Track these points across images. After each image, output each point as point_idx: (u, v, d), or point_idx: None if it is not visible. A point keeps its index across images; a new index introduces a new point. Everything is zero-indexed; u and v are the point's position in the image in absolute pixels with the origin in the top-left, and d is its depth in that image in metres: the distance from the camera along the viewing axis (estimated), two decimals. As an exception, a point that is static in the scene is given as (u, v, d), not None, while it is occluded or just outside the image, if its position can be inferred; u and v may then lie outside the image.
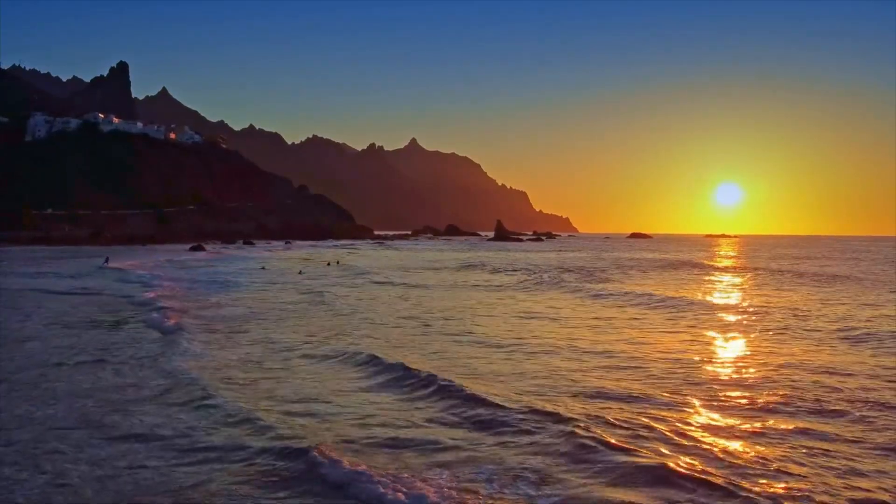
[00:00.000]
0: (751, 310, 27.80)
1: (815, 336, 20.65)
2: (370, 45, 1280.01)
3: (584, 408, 11.95)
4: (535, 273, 51.91)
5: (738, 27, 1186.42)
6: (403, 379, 14.14)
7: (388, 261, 71.50)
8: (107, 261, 52.87)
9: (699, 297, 33.74)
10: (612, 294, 34.32)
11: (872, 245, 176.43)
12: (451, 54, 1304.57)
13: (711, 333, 21.57)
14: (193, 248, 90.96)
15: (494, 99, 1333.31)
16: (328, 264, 60.20)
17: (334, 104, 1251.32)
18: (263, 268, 54.03)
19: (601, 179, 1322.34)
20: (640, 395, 12.98)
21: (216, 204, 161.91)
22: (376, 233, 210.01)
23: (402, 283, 41.60)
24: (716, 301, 31.90)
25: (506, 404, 11.89)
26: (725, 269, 60.95)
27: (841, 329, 21.86)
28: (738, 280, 47.96)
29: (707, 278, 49.32)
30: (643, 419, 11.25)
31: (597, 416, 11.30)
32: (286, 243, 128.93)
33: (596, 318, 25.05)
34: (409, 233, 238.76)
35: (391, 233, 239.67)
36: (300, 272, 49.20)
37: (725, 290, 39.01)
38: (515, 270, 55.38)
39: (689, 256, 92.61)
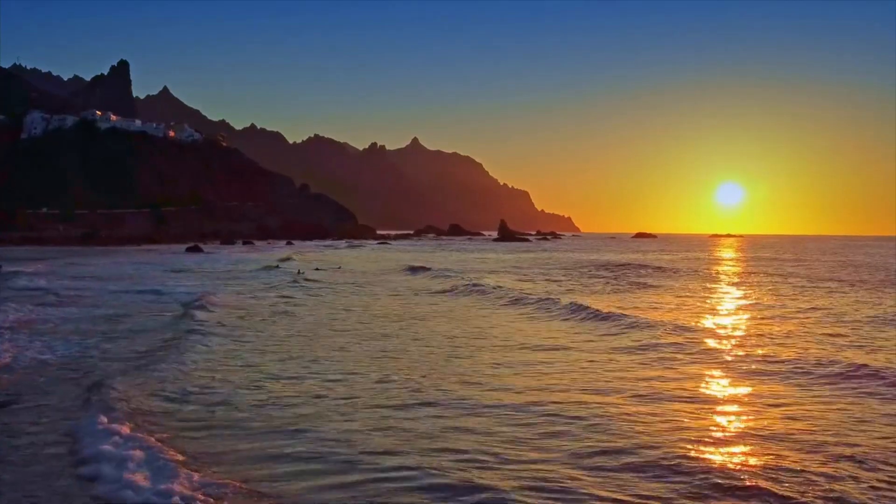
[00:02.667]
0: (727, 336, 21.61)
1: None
2: (371, 45, 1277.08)
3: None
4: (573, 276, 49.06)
5: (740, 27, 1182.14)
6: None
7: (377, 263, 68.66)
8: None
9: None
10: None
11: (875, 245, 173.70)
12: (452, 54, 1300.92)
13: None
14: (190, 249, 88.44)
15: (496, 98, 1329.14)
16: (316, 269, 57.55)
17: (336, 103, 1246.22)
18: (278, 266, 54.14)
19: (602, 179, 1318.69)
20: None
21: (216, 203, 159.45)
22: (379, 232, 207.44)
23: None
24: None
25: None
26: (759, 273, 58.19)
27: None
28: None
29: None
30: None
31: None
32: (287, 244, 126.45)
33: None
34: (412, 233, 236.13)
35: (393, 232, 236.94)
36: (299, 272, 48.00)
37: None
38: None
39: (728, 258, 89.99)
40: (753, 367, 16.25)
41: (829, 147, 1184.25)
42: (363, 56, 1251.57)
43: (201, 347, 18.43)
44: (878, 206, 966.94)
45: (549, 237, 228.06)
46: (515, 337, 21.23)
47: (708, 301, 33.58)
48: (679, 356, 17.76)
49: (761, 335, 21.50)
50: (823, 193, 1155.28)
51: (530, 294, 33.83)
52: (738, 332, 22.55)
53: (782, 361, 16.62)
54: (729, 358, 17.51)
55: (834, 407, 12.62)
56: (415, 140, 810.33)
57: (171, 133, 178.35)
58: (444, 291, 37.22)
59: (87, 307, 27.57)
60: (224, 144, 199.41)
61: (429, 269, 53.21)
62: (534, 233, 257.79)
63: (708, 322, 25.41)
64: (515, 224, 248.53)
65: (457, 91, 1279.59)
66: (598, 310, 26.57)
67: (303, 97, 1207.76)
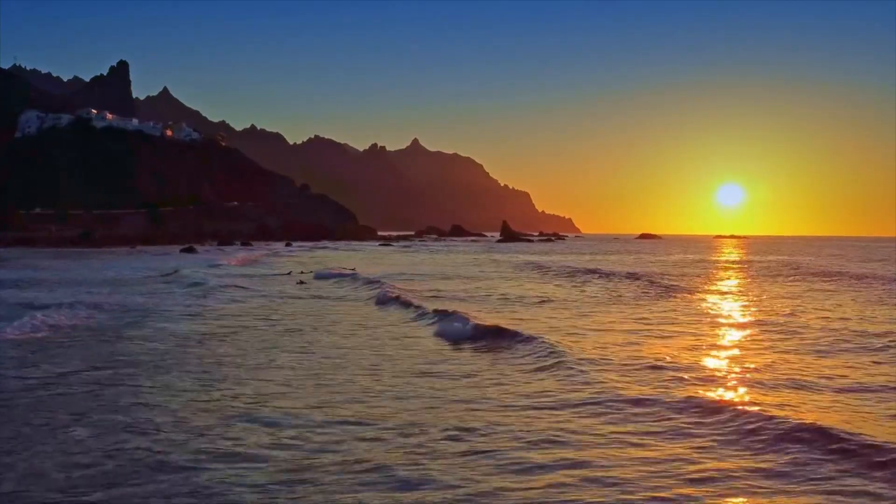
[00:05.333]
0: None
1: None
2: (371, 45, 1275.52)
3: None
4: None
5: (740, 27, 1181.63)
6: None
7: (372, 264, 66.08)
8: None
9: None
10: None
11: (876, 245, 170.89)
12: (452, 54, 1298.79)
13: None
14: (185, 250, 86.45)
15: (496, 99, 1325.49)
16: (301, 272, 54.65)
17: (336, 103, 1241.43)
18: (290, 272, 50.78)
19: (602, 180, 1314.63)
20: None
21: (215, 203, 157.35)
22: (380, 233, 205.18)
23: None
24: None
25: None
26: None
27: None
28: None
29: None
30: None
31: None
32: (286, 244, 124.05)
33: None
34: (413, 233, 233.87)
35: (394, 233, 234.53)
36: (299, 282, 44.83)
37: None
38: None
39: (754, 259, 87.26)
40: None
41: (829, 147, 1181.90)
42: (363, 56, 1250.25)
43: None
44: (878, 206, 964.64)
45: (552, 238, 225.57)
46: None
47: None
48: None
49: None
50: (823, 193, 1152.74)
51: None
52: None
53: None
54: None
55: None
56: (415, 141, 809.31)
57: (169, 132, 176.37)
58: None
59: None
60: (223, 144, 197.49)
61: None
62: (536, 234, 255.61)
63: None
64: (516, 225, 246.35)
65: (457, 91, 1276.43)
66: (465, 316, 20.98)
67: (303, 97, 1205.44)
